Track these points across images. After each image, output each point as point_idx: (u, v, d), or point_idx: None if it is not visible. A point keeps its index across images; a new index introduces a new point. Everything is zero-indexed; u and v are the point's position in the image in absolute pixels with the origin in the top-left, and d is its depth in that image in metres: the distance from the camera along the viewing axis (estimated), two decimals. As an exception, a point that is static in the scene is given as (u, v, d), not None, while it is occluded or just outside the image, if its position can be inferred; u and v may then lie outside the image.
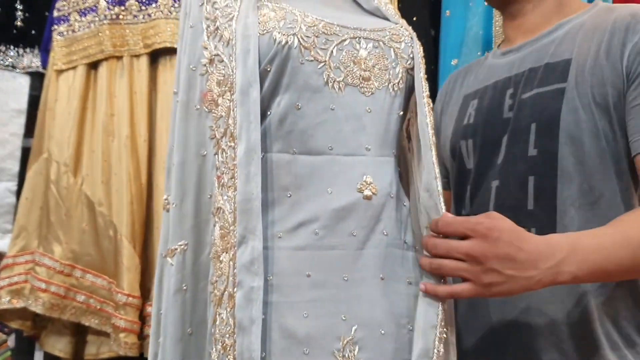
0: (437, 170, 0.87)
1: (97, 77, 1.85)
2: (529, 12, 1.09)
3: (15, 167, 1.92)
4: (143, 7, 1.82)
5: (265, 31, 0.86)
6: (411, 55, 0.94)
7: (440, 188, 0.86)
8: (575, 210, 0.93)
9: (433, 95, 1.02)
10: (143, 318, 1.71)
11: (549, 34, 1.05)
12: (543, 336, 0.93)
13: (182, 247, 0.89)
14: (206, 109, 0.90)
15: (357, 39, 0.90)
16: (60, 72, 1.86)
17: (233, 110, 0.85)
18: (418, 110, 0.91)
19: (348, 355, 0.82)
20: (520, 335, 0.95)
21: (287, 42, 0.86)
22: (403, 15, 1.04)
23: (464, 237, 0.81)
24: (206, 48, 0.90)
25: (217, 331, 0.83)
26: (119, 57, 1.83)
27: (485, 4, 1.34)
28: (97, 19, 1.83)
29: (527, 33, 1.08)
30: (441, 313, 0.84)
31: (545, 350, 0.92)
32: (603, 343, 0.90)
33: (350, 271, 0.85)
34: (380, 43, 0.92)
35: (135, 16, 1.82)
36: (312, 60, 0.87)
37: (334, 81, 0.88)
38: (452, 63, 1.72)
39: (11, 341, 2.03)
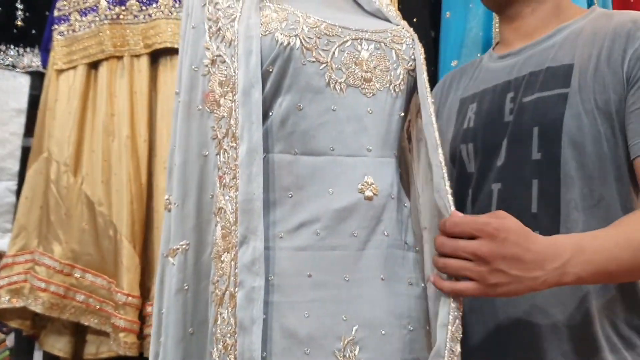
0: (444, 170, 0.86)
1: (97, 77, 1.84)
2: (527, 16, 1.08)
3: (15, 166, 1.92)
4: (144, 7, 1.82)
5: (267, 32, 0.87)
6: (412, 57, 0.94)
7: (448, 187, 0.85)
8: (578, 214, 0.93)
9: (433, 95, 1.02)
10: (143, 318, 1.71)
11: (548, 39, 1.05)
12: (544, 337, 0.93)
13: (184, 247, 0.90)
14: (208, 110, 0.90)
15: (359, 40, 0.91)
16: (60, 71, 1.85)
17: (235, 110, 0.85)
18: (422, 112, 0.91)
19: (349, 355, 0.83)
20: (522, 336, 0.95)
21: (289, 43, 0.86)
22: (403, 17, 1.04)
23: (471, 237, 0.81)
24: (208, 49, 0.90)
25: (218, 331, 0.83)
26: (120, 57, 1.83)
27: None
28: (97, 18, 1.83)
29: (525, 36, 1.08)
30: (453, 312, 0.83)
31: (546, 351, 0.93)
32: (603, 345, 0.91)
33: (351, 272, 0.86)
34: (382, 44, 0.92)
35: (135, 16, 1.82)
36: (314, 62, 0.87)
37: (336, 82, 0.88)
38: (452, 64, 1.72)
39: (10, 340, 2.03)
